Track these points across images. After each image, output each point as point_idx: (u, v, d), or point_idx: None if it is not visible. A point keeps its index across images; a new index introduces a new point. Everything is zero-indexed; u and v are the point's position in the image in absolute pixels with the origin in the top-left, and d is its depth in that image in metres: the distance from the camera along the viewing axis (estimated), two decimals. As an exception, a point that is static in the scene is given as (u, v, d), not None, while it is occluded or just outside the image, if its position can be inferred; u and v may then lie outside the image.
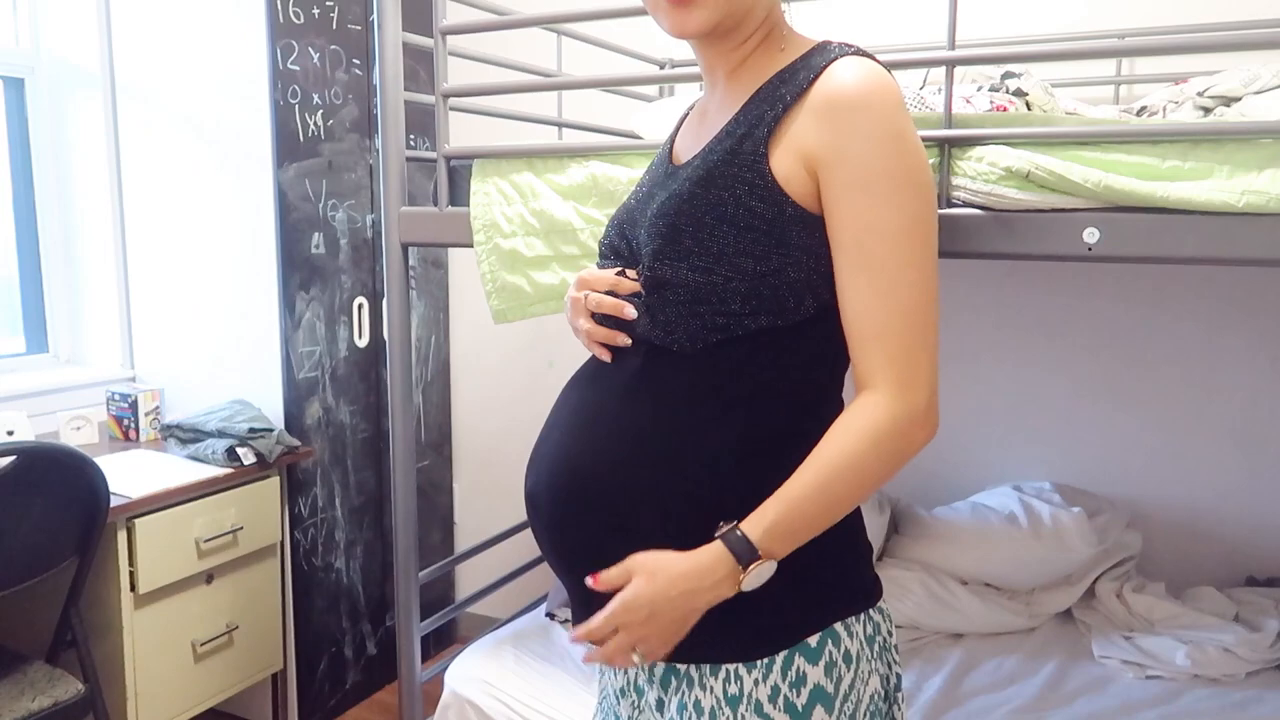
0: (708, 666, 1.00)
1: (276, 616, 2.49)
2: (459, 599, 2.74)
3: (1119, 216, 1.19)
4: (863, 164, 0.92)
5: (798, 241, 0.96)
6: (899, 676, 1.07)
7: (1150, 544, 2.22)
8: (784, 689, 0.97)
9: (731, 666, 0.98)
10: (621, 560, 0.97)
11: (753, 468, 0.98)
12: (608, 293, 1.06)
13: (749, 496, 0.96)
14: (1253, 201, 1.12)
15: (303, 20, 2.38)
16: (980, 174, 1.26)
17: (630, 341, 1.04)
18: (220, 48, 2.39)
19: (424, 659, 1.98)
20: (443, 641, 3.03)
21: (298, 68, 2.38)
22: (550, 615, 2.21)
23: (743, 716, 0.98)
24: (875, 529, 2.17)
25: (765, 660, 0.97)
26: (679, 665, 1.03)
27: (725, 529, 0.95)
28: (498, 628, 2.19)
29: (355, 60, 2.54)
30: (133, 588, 2.11)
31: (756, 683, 0.97)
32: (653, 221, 1.02)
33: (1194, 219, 1.16)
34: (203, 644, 2.28)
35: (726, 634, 0.98)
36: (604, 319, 1.06)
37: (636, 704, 1.12)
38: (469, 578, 3.06)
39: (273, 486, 2.41)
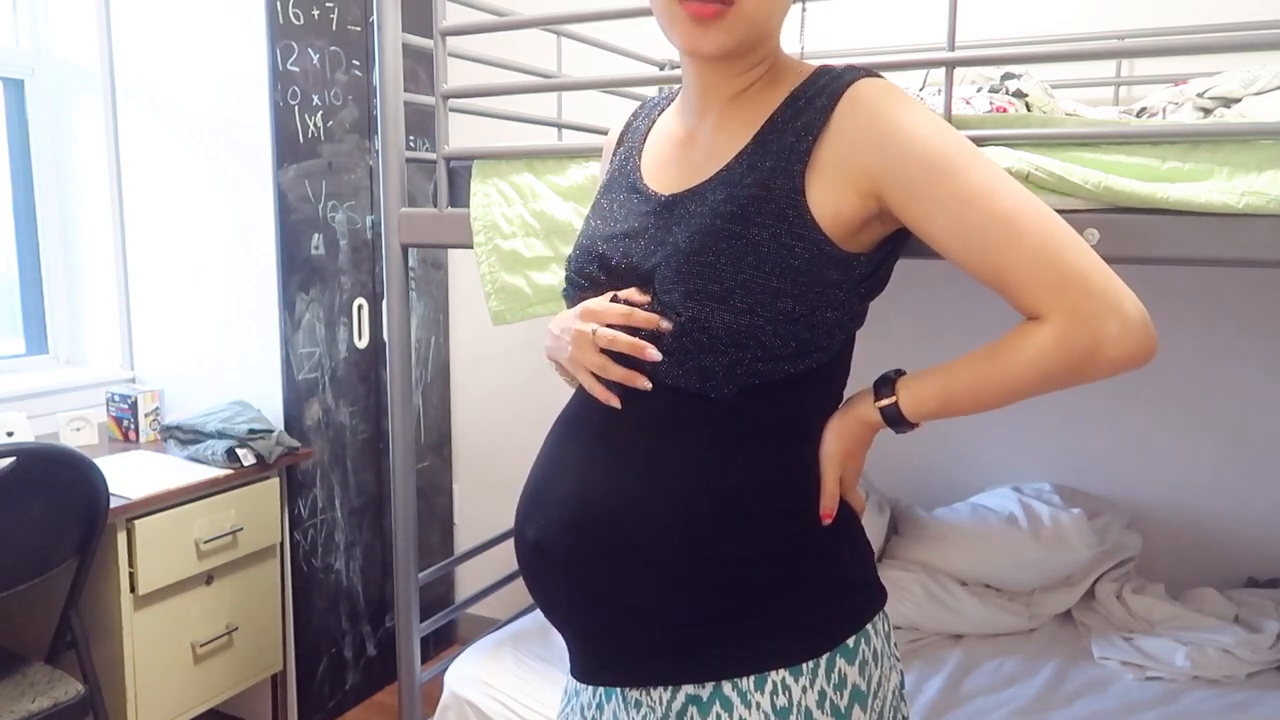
0: (752, 681, 0.95)
1: (276, 617, 2.48)
2: (459, 600, 2.74)
3: (1119, 218, 1.19)
4: (922, 152, 0.91)
5: (833, 280, 0.95)
6: (902, 673, 1.08)
7: (1150, 545, 2.22)
8: (830, 692, 0.96)
9: (779, 676, 0.95)
10: (645, 597, 0.98)
11: (774, 497, 0.99)
12: (620, 328, 0.99)
13: (775, 524, 0.98)
14: (1253, 203, 1.12)
15: (302, 21, 2.38)
16: (980, 175, 1.25)
17: (651, 386, 0.97)
18: (220, 49, 2.39)
19: (423, 660, 1.97)
20: (442, 642, 3.03)
21: (297, 69, 2.38)
22: (550, 616, 2.21)
23: None
24: (875, 530, 2.17)
25: (811, 664, 0.95)
26: (722, 687, 0.97)
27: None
28: (497, 629, 2.19)
29: (355, 61, 2.54)
30: (132, 589, 2.11)
31: (805, 689, 0.95)
32: (683, 258, 0.95)
33: (1194, 220, 1.16)
34: (202, 645, 2.28)
35: (773, 642, 0.96)
36: (618, 356, 0.99)
37: None
38: (469, 579, 3.06)
39: (272, 487, 2.41)
